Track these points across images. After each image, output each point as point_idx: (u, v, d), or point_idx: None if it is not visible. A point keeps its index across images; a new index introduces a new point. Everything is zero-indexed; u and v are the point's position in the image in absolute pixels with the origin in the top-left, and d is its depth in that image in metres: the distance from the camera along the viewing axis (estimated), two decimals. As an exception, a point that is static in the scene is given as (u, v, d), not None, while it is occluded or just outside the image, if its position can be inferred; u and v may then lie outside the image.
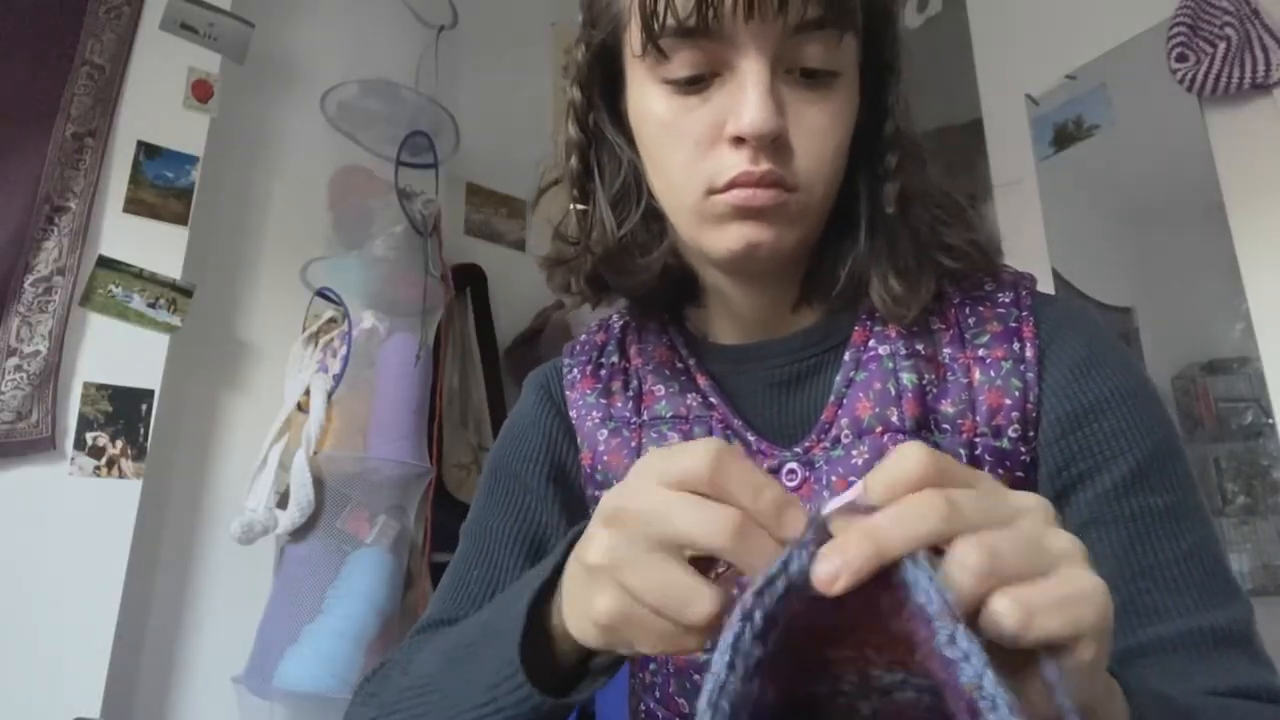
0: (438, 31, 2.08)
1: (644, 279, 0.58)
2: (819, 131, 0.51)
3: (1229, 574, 0.51)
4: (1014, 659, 0.28)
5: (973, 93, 2.01)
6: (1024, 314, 0.55)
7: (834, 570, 0.27)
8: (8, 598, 1.37)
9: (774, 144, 0.49)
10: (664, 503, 0.32)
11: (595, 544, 0.34)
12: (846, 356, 0.57)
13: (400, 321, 1.77)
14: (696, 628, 0.31)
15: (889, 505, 0.29)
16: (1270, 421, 1.50)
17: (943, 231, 0.56)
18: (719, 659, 0.27)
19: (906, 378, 0.54)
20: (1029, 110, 1.88)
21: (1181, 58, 1.52)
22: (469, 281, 2.07)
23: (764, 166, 0.49)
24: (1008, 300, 0.57)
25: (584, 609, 0.35)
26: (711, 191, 0.50)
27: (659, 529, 0.32)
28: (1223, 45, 1.48)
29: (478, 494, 0.66)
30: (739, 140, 0.49)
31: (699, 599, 0.31)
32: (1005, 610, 0.27)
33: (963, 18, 2.08)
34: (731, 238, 0.51)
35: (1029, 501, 0.31)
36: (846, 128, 0.53)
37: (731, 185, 0.49)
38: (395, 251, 1.75)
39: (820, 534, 0.30)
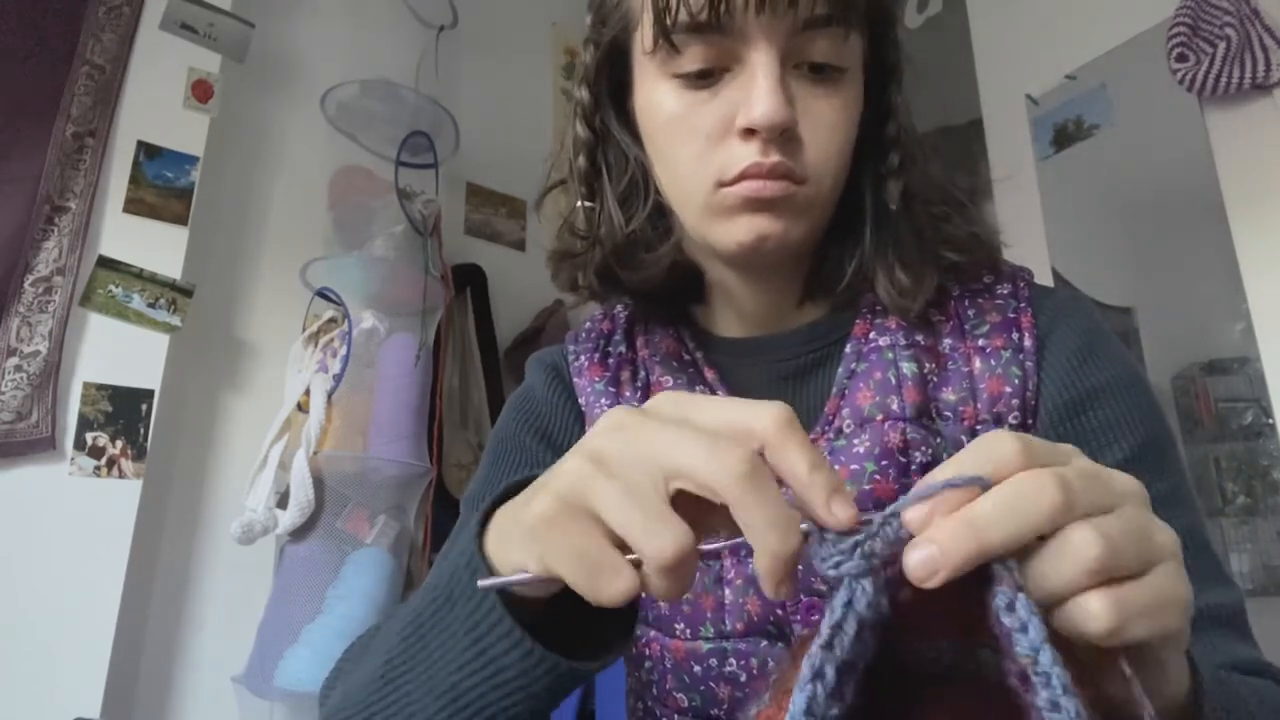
0: (438, 31, 2.08)
1: (651, 274, 0.59)
2: (828, 125, 0.51)
3: (1221, 561, 0.53)
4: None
5: (973, 93, 2.01)
6: (1022, 305, 0.57)
7: (930, 562, 0.26)
8: (8, 598, 1.37)
9: (783, 136, 0.50)
10: (674, 435, 0.30)
11: (536, 502, 0.32)
12: (848, 349, 0.58)
13: (400, 321, 1.77)
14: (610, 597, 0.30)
15: (991, 491, 0.27)
16: (1270, 421, 1.50)
17: (944, 226, 0.57)
18: None
19: (907, 366, 0.55)
20: (1029, 110, 1.88)
21: (1181, 58, 1.52)
22: (469, 281, 2.07)
23: (774, 158, 0.49)
24: (1006, 292, 0.58)
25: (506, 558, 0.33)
26: (721, 184, 0.51)
27: (655, 459, 0.29)
28: (1223, 45, 1.48)
29: (481, 464, 0.66)
30: (749, 132, 0.50)
31: (616, 573, 0.30)
32: (1100, 612, 0.26)
33: (963, 18, 2.08)
34: (741, 230, 0.52)
35: (1130, 485, 0.29)
36: (853, 124, 0.54)
37: (742, 177, 0.50)
38: (395, 251, 1.75)
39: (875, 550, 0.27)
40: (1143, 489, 0.29)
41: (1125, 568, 0.27)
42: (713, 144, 0.51)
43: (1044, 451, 0.28)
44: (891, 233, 0.56)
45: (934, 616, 0.29)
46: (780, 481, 0.29)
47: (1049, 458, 0.28)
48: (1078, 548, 0.26)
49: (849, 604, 0.26)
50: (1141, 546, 0.27)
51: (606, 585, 0.30)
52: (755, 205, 0.51)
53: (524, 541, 0.33)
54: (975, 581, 0.26)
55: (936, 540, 0.26)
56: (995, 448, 0.28)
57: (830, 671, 0.25)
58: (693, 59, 0.51)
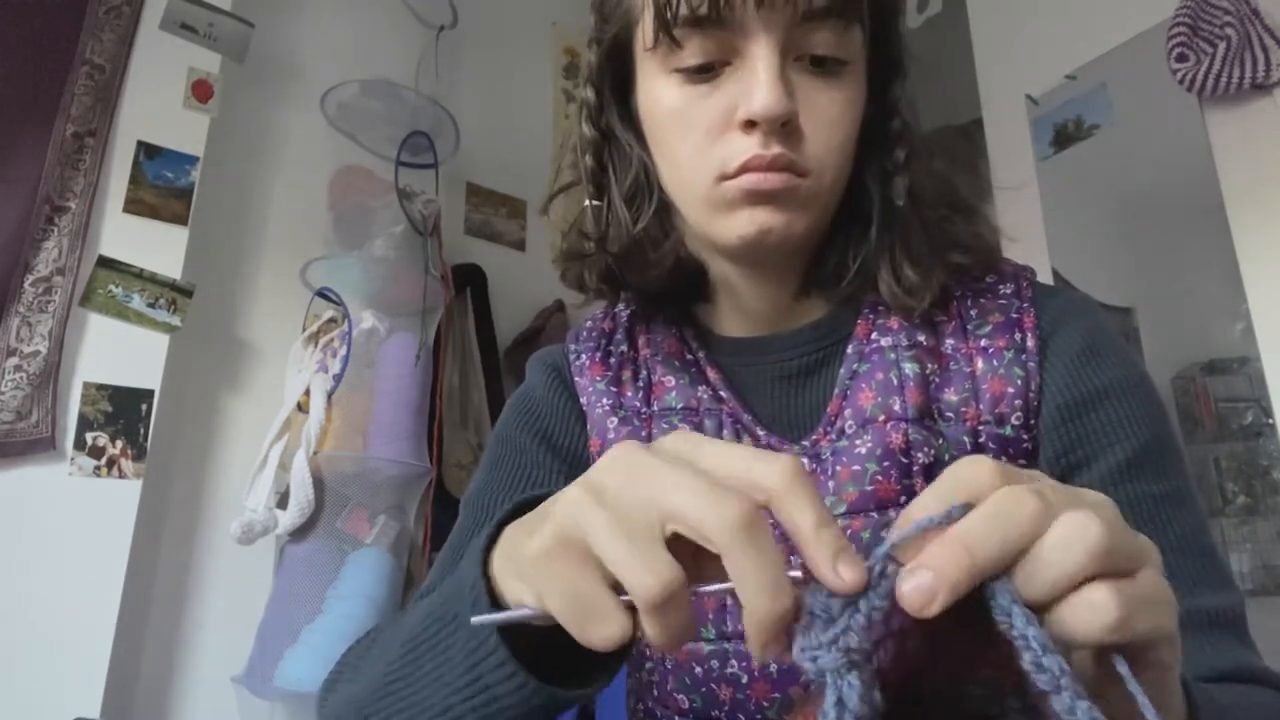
0: (438, 31, 2.08)
1: (656, 274, 0.59)
2: (829, 118, 0.51)
3: (1222, 561, 0.52)
4: (1082, 659, 0.27)
5: (973, 93, 2.01)
6: (1025, 305, 0.56)
7: (927, 587, 0.25)
8: (8, 598, 1.37)
9: (784, 128, 0.50)
10: (675, 477, 0.29)
11: (535, 536, 0.31)
12: (849, 350, 0.58)
13: (400, 321, 1.77)
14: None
15: (973, 511, 0.26)
16: (1270, 421, 1.50)
17: (950, 226, 0.57)
18: None
19: (909, 367, 0.54)
20: (1029, 110, 1.88)
21: (1181, 58, 1.52)
22: (469, 281, 2.07)
23: (775, 150, 0.49)
24: (1009, 292, 0.58)
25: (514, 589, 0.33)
26: (723, 178, 0.51)
27: (652, 498, 0.29)
28: (1223, 45, 1.48)
29: (481, 465, 0.66)
30: (750, 125, 0.50)
31: (606, 617, 0.29)
32: (1107, 603, 0.25)
33: (963, 18, 2.08)
34: (742, 223, 0.52)
35: (1101, 497, 0.28)
36: (855, 117, 0.53)
37: (743, 170, 0.50)
38: (395, 251, 1.75)
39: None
40: (1113, 503, 0.28)
41: (1122, 559, 0.26)
42: (714, 137, 0.51)
43: (1016, 473, 0.28)
44: (897, 230, 0.56)
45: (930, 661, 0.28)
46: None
47: (1022, 478, 0.28)
48: (1079, 533, 0.25)
49: (840, 703, 0.25)
50: (1131, 543, 0.27)
51: (595, 629, 0.29)
52: (757, 198, 0.51)
53: (522, 575, 0.32)
54: (968, 619, 0.25)
55: (928, 565, 0.25)
56: (970, 472, 0.28)
57: None
58: (693, 53, 0.51)
